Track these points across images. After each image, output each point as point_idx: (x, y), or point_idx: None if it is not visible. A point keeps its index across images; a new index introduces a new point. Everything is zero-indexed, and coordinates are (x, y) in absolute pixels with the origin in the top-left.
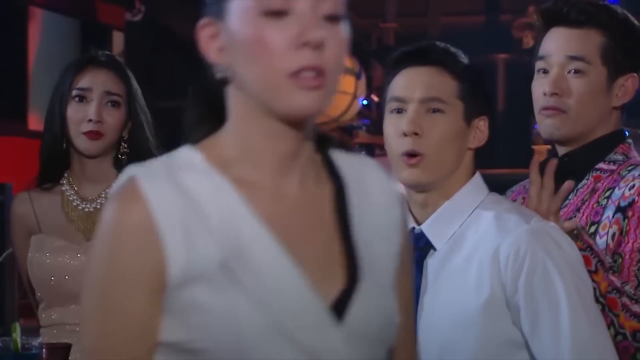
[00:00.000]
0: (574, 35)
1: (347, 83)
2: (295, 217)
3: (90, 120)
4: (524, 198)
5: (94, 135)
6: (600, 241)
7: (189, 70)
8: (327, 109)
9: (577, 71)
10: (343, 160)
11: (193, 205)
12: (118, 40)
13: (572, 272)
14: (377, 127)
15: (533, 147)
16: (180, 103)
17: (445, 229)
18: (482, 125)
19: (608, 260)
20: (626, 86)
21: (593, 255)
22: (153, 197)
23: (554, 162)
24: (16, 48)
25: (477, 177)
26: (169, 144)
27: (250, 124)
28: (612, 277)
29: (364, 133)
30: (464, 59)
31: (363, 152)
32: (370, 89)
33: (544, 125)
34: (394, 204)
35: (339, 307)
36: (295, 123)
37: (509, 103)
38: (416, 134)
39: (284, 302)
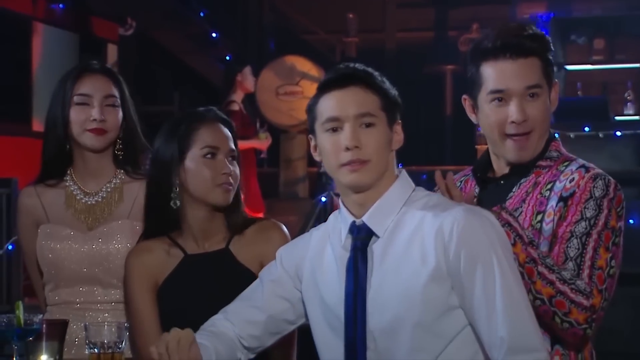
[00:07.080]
0: (523, 65)
1: (315, 90)
2: None
3: (94, 120)
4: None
5: (99, 131)
6: (547, 228)
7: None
8: (296, 113)
9: (534, 95)
10: None
11: None
12: (112, 52)
13: (503, 242)
14: None
15: (476, 147)
16: (164, 108)
17: (384, 218)
18: (399, 129)
19: (528, 235)
20: (555, 98)
21: (512, 230)
22: None
23: (451, 176)
24: (21, 59)
25: (404, 173)
26: (152, 143)
27: None
28: (530, 250)
29: None
30: (379, 75)
31: None
32: None
33: (513, 151)
34: None
35: None
36: None
37: (455, 108)
38: (357, 147)
39: None
